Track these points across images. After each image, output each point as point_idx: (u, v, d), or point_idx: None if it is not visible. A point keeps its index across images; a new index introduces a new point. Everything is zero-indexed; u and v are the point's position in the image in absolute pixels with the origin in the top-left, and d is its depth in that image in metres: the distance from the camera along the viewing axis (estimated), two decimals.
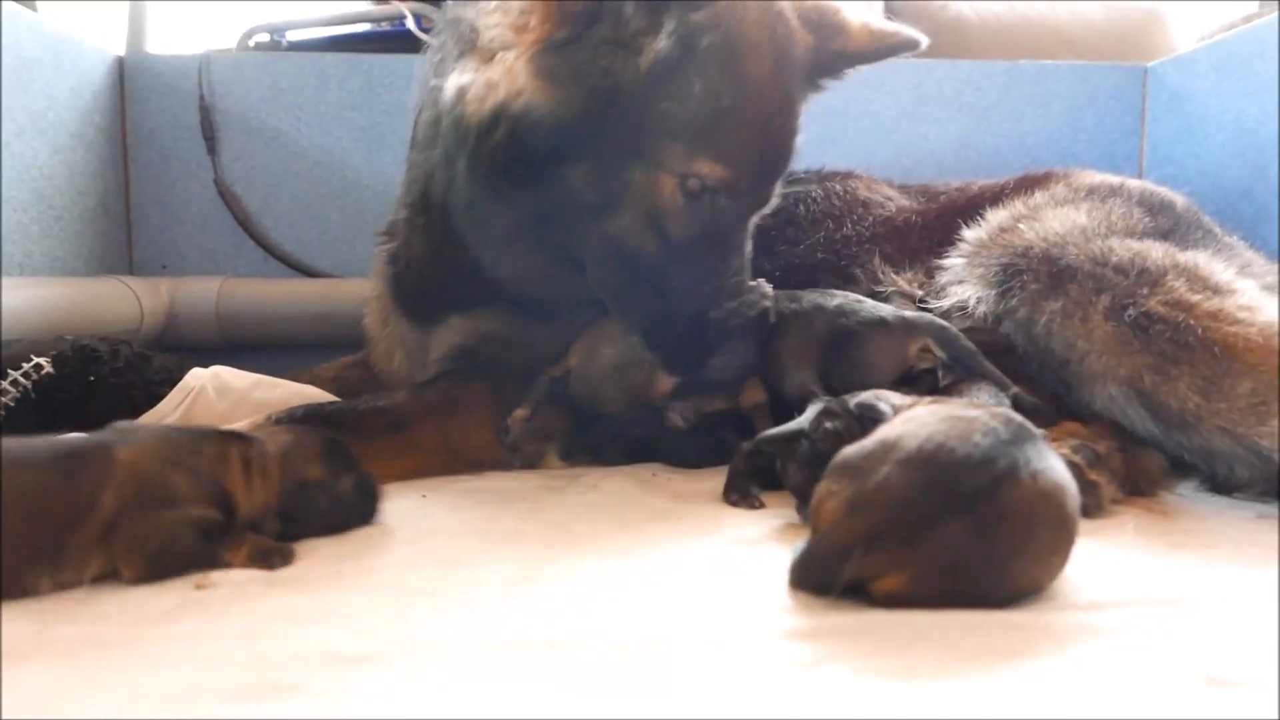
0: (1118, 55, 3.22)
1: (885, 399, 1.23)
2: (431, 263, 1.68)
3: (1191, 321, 1.33)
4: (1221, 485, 1.43)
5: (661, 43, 1.32)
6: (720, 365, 1.50)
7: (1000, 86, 2.75)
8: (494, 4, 1.41)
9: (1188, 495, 1.45)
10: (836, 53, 1.59)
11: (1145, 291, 1.38)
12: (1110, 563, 1.06)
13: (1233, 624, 0.89)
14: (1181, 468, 1.45)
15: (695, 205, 1.41)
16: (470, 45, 1.44)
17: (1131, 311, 1.36)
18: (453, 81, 1.43)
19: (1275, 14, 2.37)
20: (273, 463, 1.09)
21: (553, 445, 1.59)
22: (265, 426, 1.17)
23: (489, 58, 1.40)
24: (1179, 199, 1.77)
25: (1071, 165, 1.98)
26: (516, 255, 1.53)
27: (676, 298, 1.45)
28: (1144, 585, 0.99)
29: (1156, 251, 1.47)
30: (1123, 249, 1.48)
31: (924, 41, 1.67)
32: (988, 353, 1.50)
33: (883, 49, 1.62)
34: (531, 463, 1.57)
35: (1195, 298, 1.36)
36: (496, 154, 1.38)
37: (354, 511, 1.16)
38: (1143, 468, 1.43)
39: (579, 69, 1.32)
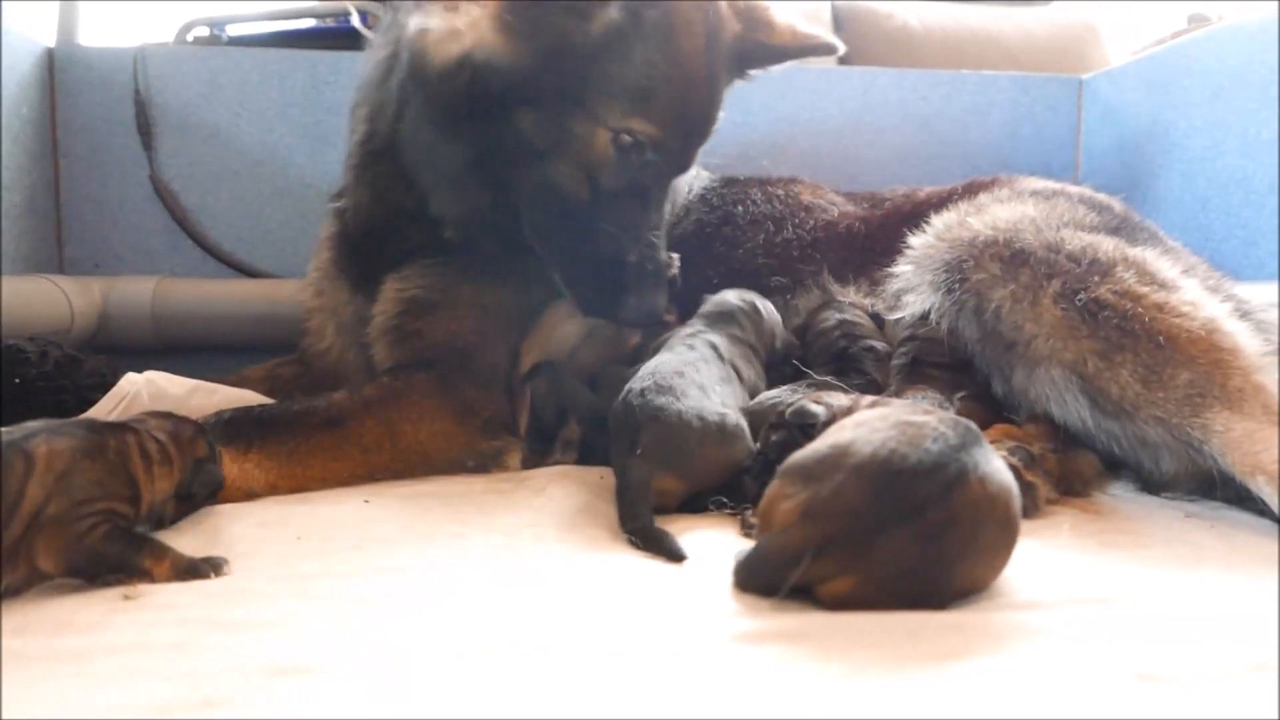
0: (1056, 67, 3.32)
1: (824, 400, 1.24)
2: (377, 205, 1.73)
3: (1139, 310, 1.37)
4: (1151, 484, 1.47)
5: (611, 12, 1.46)
6: (635, 305, 1.60)
7: (943, 96, 2.81)
8: None
9: (1120, 495, 1.49)
10: (762, 44, 1.75)
11: (1096, 279, 1.42)
12: (1046, 562, 1.08)
13: (1162, 622, 0.91)
14: (1112, 467, 1.50)
15: (624, 159, 1.55)
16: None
17: (1083, 296, 1.39)
18: (416, 21, 1.51)
19: (1203, 30, 2.46)
20: (171, 446, 1.11)
21: (519, 448, 1.59)
22: (140, 415, 1.16)
23: (453, 8, 1.49)
24: (1117, 204, 1.82)
25: (1011, 174, 2.02)
26: (466, 193, 1.62)
27: (599, 242, 1.57)
28: (1078, 584, 1.02)
29: (1107, 244, 1.51)
30: (1074, 239, 1.52)
31: (841, 48, 1.86)
32: (945, 364, 1.51)
33: (804, 49, 1.80)
34: (486, 466, 1.56)
35: (1143, 289, 1.40)
36: (457, 96, 1.49)
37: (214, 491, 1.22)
38: (1077, 469, 1.46)
39: (537, 27, 1.45)
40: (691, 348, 1.45)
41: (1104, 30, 3.90)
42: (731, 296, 1.65)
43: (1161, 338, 1.33)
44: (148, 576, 0.96)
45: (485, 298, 1.66)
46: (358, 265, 1.78)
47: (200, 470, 1.15)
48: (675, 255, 1.72)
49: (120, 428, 1.08)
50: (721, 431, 1.27)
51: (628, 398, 1.29)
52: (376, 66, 1.68)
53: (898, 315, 1.65)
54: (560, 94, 1.49)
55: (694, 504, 1.28)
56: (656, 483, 1.21)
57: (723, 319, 1.58)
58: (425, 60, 1.49)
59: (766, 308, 1.67)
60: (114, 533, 0.97)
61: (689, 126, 1.62)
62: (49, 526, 0.93)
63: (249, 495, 1.33)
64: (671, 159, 1.63)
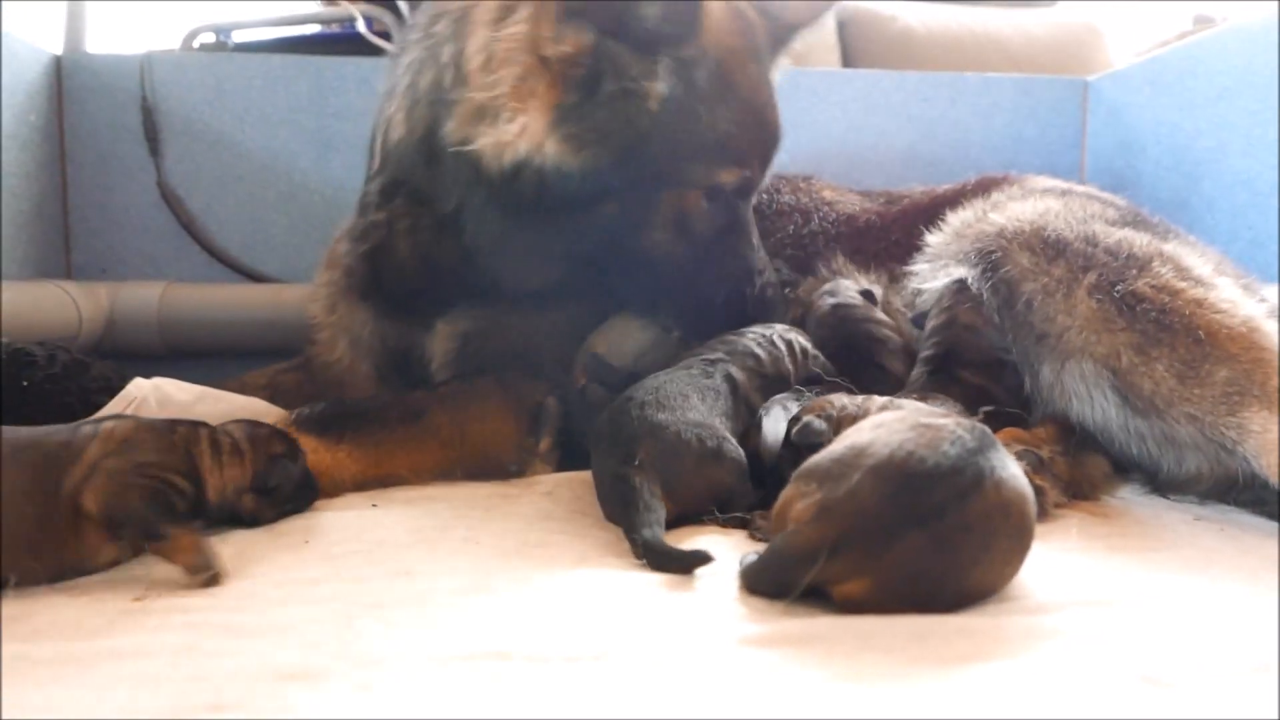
0: (1059, 69, 3.31)
1: (827, 410, 1.23)
2: (421, 264, 1.69)
3: (1178, 305, 1.33)
4: (1164, 485, 1.44)
5: (661, 83, 1.43)
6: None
7: (946, 98, 2.81)
8: (477, 60, 1.46)
9: (1128, 499, 1.48)
10: (786, 24, 1.74)
11: (1134, 273, 1.39)
12: (1054, 566, 1.08)
13: (1169, 625, 0.91)
14: (1120, 470, 1.49)
15: (717, 204, 1.57)
16: (459, 82, 1.48)
17: (1120, 289, 1.37)
18: (453, 133, 1.48)
19: (1208, 32, 2.46)
20: (245, 442, 1.17)
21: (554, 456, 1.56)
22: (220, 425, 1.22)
23: (489, 117, 1.45)
24: (1122, 201, 1.81)
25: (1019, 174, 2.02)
26: (544, 271, 1.59)
27: (714, 286, 1.59)
28: (1086, 587, 1.02)
29: (1141, 238, 1.49)
30: (1108, 233, 1.49)
31: None
32: (978, 363, 1.49)
33: (819, 7, 1.78)
34: (524, 469, 1.54)
35: (1182, 284, 1.37)
36: (524, 196, 1.47)
37: (304, 495, 1.25)
38: (1086, 472, 1.45)
39: (600, 129, 1.43)
40: (709, 375, 1.39)
41: (1107, 32, 3.90)
42: (752, 342, 1.52)
43: (1201, 333, 1.30)
44: (165, 545, 0.99)
45: (533, 322, 1.66)
46: (389, 301, 1.75)
47: (276, 465, 1.18)
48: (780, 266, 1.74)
49: (194, 423, 1.16)
50: (718, 456, 1.22)
51: (626, 406, 1.25)
52: (409, 149, 1.61)
53: (929, 285, 1.62)
54: (641, 177, 1.48)
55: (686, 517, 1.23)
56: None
57: (744, 354, 1.49)
58: (480, 166, 1.47)
59: (789, 342, 1.56)
60: (157, 495, 1.03)
61: (766, 149, 1.63)
62: (101, 475, 1.00)
63: (336, 486, 1.35)
64: (756, 180, 1.64)
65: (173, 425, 1.13)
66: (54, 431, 1.04)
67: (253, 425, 1.22)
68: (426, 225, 1.65)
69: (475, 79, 1.47)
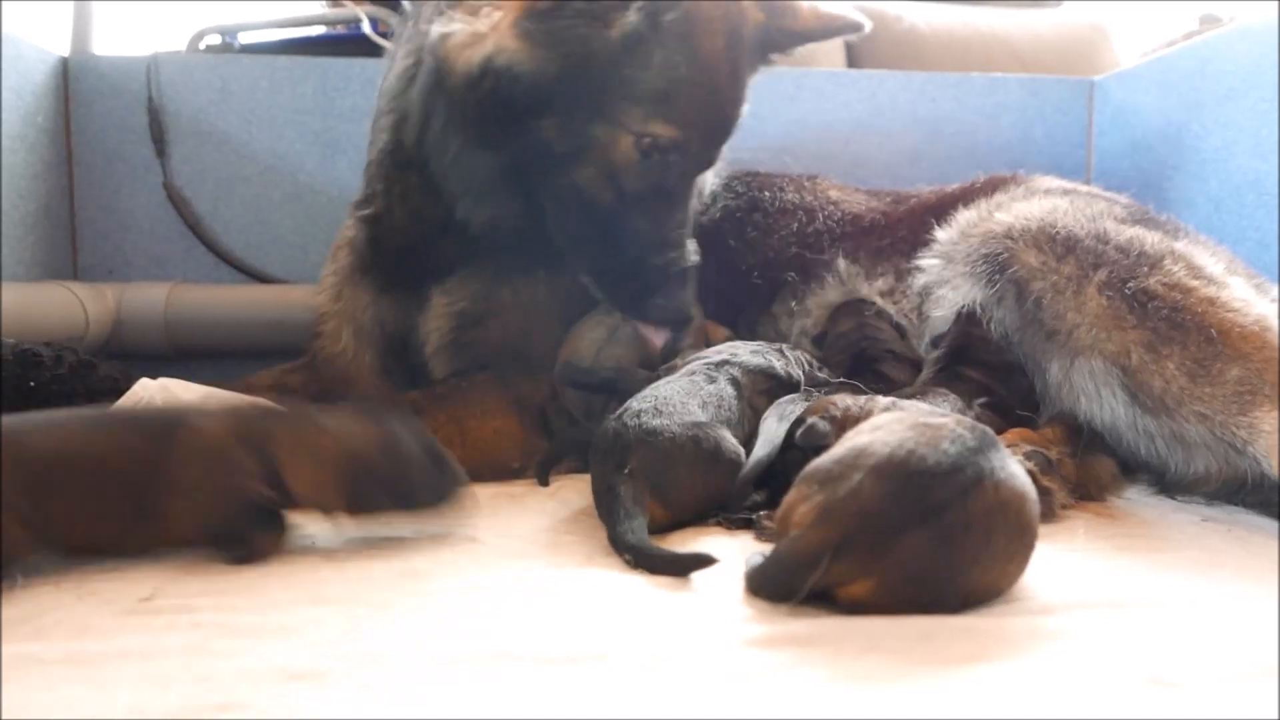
0: (1065, 69, 3.31)
1: (831, 410, 1.23)
2: (410, 219, 1.73)
3: (1190, 303, 1.33)
4: (1172, 485, 1.44)
5: (630, 17, 1.46)
6: (663, 305, 1.61)
7: (952, 98, 2.80)
8: None
9: (1135, 499, 1.48)
10: (786, 30, 1.75)
11: (1146, 270, 1.39)
12: (1061, 567, 1.08)
13: (1176, 626, 0.91)
14: (1127, 471, 1.48)
15: (648, 161, 1.56)
16: (455, 3, 1.53)
17: (1131, 286, 1.36)
18: (438, 28, 1.52)
19: (1215, 31, 2.45)
20: (324, 439, 1.08)
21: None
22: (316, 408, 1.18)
23: (474, 11, 1.50)
24: (1125, 199, 1.81)
25: (1026, 174, 2.00)
26: (493, 200, 1.62)
27: (626, 244, 1.59)
28: (1092, 588, 1.01)
29: (1153, 236, 1.48)
30: (1119, 230, 1.49)
31: (867, 25, 1.84)
32: (989, 363, 1.49)
33: (829, 29, 1.81)
34: (527, 469, 1.54)
35: (1194, 283, 1.37)
36: (482, 103, 1.50)
37: (430, 487, 1.15)
38: (1094, 474, 1.45)
39: (558, 35, 1.46)
40: (712, 380, 1.38)
41: (1113, 32, 3.89)
42: (758, 349, 1.52)
43: (1213, 331, 1.29)
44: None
45: (524, 297, 1.70)
46: (387, 273, 1.79)
47: (366, 471, 1.11)
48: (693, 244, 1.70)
49: (281, 414, 1.15)
50: (715, 456, 1.21)
51: (622, 418, 1.24)
52: (399, 77, 1.68)
53: (938, 312, 1.62)
54: (582, 100, 1.50)
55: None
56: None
57: (750, 359, 1.49)
58: (448, 67, 1.50)
59: (796, 355, 1.56)
60: (246, 510, 1.05)
61: (711, 126, 1.63)
62: (190, 498, 1.02)
63: None
64: (695, 158, 1.64)
65: (266, 425, 1.09)
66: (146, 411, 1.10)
67: (351, 417, 1.14)
68: (416, 185, 1.69)
69: None
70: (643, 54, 1.48)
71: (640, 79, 1.49)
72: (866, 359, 1.61)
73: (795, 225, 1.92)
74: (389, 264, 1.79)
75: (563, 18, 1.45)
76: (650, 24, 1.47)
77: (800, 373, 1.50)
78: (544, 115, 1.50)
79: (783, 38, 1.75)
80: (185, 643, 0.82)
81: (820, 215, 1.93)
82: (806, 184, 2.03)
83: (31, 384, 1.58)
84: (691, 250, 1.66)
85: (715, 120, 1.63)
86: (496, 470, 1.52)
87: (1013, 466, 0.95)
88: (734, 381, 1.40)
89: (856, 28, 1.83)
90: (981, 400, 1.43)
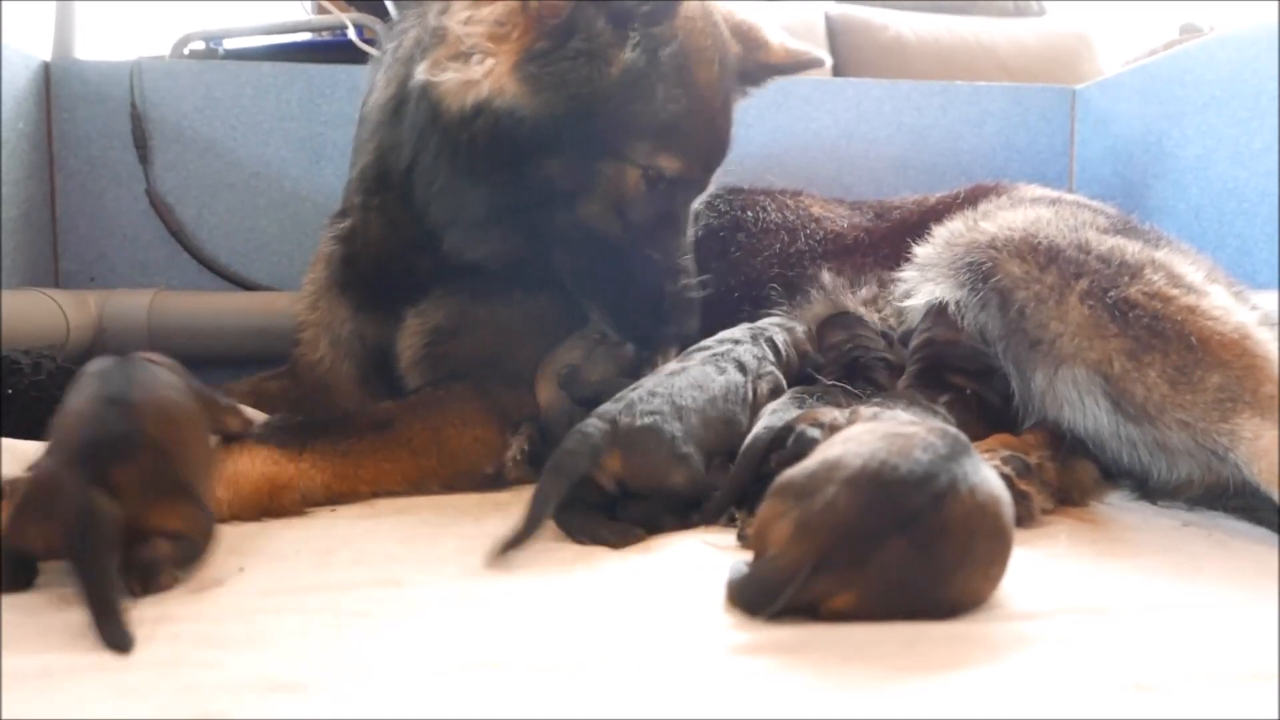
0: (1049, 77, 3.34)
1: (821, 423, 1.23)
2: (390, 238, 1.72)
3: (1171, 311, 1.34)
4: (1154, 491, 1.45)
5: (629, 53, 1.48)
6: (674, 334, 1.63)
7: (937, 106, 2.82)
8: (462, 8, 1.52)
9: (1117, 505, 1.49)
10: (760, 63, 1.83)
11: (1127, 279, 1.40)
12: (1043, 572, 1.08)
13: (1160, 631, 0.91)
14: (1109, 477, 1.49)
15: (654, 193, 1.59)
16: (439, 40, 1.54)
17: (1112, 295, 1.38)
18: (423, 71, 1.52)
19: (1195, 40, 2.48)
20: None
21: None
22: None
23: (462, 57, 1.50)
24: (1112, 210, 1.82)
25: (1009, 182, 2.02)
26: (490, 235, 1.61)
27: (635, 274, 1.61)
28: (1075, 594, 1.02)
29: (1134, 246, 1.50)
30: (1101, 240, 1.51)
31: (828, 61, 1.98)
32: (969, 370, 1.50)
33: (797, 64, 1.90)
34: (502, 476, 1.53)
35: (1174, 291, 1.38)
36: (476, 142, 1.50)
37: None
38: (1076, 478, 1.46)
39: (559, 76, 1.47)
40: (721, 370, 1.42)
41: (1096, 41, 3.93)
42: (739, 334, 1.59)
43: (1193, 339, 1.31)
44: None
45: (500, 315, 1.68)
46: (363, 289, 1.78)
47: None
48: (706, 276, 1.73)
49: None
50: (680, 459, 1.23)
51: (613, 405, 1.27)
52: (381, 109, 1.66)
53: (911, 303, 1.64)
54: (589, 138, 1.51)
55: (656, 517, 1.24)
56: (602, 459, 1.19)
57: (757, 342, 1.56)
58: (440, 107, 1.50)
59: (785, 339, 1.62)
60: None
61: (709, 153, 1.67)
62: None
63: (305, 499, 1.32)
64: (695, 184, 1.69)
65: None
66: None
67: None
68: (394, 202, 1.68)
69: (455, 22, 1.50)
70: (645, 88, 1.50)
71: (644, 113, 1.52)
72: (860, 367, 1.62)
73: (778, 246, 1.93)
74: (365, 284, 1.77)
75: (564, 59, 1.47)
76: (649, 59, 1.49)
77: (796, 357, 1.58)
78: (548, 155, 1.51)
79: (757, 70, 1.82)
80: (165, 654, 0.81)
81: (803, 234, 1.94)
82: (789, 202, 2.04)
83: (9, 391, 1.57)
84: (697, 277, 1.68)
85: (713, 147, 1.67)
86: (474, 480, 1.51)
87: (985, 471, 0.96)
88: (740, 366, 1.45)
89: (819, 63, 1.94)
90: (945, 399, 1.44)
